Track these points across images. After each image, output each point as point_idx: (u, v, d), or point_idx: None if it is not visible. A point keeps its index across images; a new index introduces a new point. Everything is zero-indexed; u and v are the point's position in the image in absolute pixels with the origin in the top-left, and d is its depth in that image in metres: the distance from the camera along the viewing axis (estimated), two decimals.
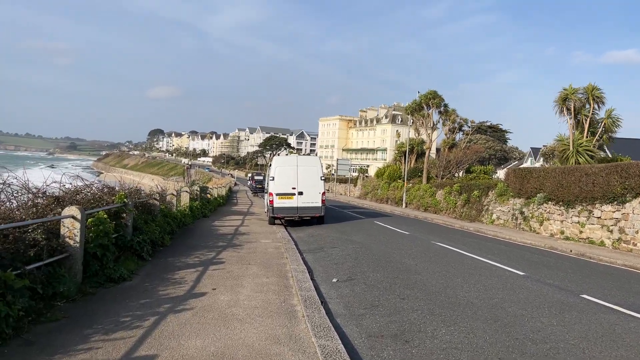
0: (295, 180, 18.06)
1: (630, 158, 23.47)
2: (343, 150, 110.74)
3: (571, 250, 14.16)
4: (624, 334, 6.14)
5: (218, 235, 14.41)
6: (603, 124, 22.76)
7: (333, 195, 49.05)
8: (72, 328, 5.38)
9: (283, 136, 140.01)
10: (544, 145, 58.08)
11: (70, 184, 8.80)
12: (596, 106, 22.80)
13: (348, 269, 9.96)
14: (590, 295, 8.21)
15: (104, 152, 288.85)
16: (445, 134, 39.04)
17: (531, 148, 69.46)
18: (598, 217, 15.98)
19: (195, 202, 20.39)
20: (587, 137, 22.28)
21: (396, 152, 49.15)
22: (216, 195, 30.27)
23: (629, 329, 6.34)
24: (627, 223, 14.76)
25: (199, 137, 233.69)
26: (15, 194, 7.24)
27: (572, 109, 22.66)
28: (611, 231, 15.35)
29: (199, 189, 24.07)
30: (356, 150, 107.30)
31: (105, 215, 7.84)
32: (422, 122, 37.40)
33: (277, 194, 17.92)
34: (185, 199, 18.20)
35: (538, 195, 18.87)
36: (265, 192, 20.86)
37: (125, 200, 9.41)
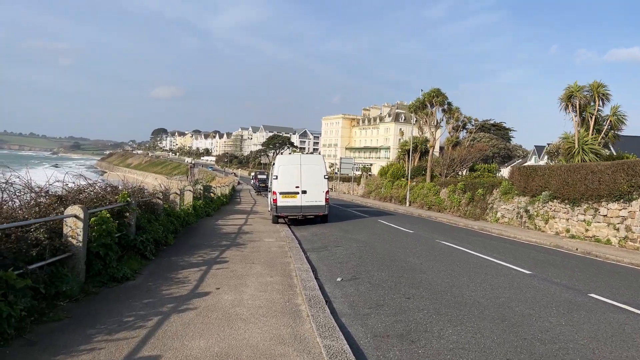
0: (299, 179, 17.99)
1: (635, 156, 23.32)
2: (346, 149, 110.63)
3: (577, 249, 14.04)
4: (634, 333, 6.04)
5: (221, 234, 14.37)
6: (609, 121, 22.60)
7: (336, 194, 48.97)
8: (75, 328, 5.33)
9: (286, 135, 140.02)
10: (548, 144, 57.80)
11: (73, 183, 8.76)
12: (601, 103, 22.66)
13: (352, 268, 9.88)
14: (598, 294, 8.10)
15: (107, 152, 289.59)
16: (449, 132, 38.93)
17: (535, 146, 69.22)
18: (604, 215, 15.84)
19: (199, 201, 20.36)
20: (592, 134, 22.14)
21: (400, 150, 49.08)
22: (219, 194, 30.24)
23: (639, 329, 6.24)
24: (634, 221, 14.62)
25: (202, 136, 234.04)
26: (17, 193, 7.19)
27: (578, 107, 22.53)
28: (617, 229, 15.22)
29: (202, 188, 24.05)
30: (359, 149, 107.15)
31: (108, 215, 7.79)
32: (426, 120, 37.30)
33: (280, 193, 17.86)
34: (188, 198, 18.17)
35: (543, 193, 18.74)
36: (269, 191, 20.81)
37: (128, 199, 9.37)
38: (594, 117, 22.38)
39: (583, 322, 6.43)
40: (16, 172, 7.77)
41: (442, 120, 37.50)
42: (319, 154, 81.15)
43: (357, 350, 5.20)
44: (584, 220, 16.64)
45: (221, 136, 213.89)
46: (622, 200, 15.13)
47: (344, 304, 7.10)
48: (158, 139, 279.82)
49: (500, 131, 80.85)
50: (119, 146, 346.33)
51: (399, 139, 77.35)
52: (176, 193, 15.99)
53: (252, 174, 74.36)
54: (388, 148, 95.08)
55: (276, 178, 18.06)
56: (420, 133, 42.03)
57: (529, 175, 20.26)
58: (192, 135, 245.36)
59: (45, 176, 8.41)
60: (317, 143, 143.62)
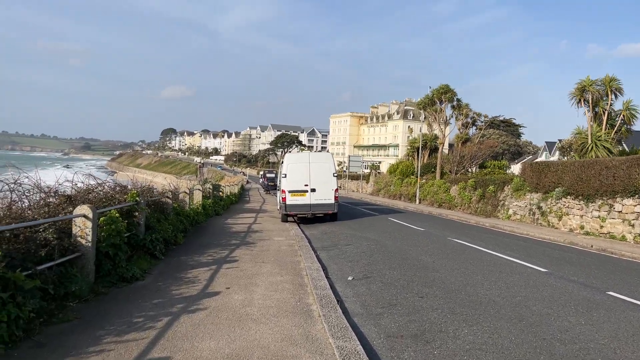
0: (308, 177, 17.88)
1: None
2: (354, 146, 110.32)
3: (592, 246, 13.78)
4: None
5: (231, 233, 14.30)
6: (621, 115, 22.18)
7: (345, 192, 48.81)
8: (84, 329, 5.27)
9: (294, 134, 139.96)
10: (559, 140, 57.16)
11: (82, 182, 8.72)
12: (614, 97, 22.23)
13: (363, 266, 9.75)
14: (616, 292, 7.89)
15: (117, 152, 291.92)
16: (459, 129, 38.55)
17: (546, 142, 68.49)
18: (619, 212, 15.54)
19: (208, 200, 20.33)
20: (605, 129, 21.75)
21: (409, 147, 48.76)
22: (228, 193, 30.24)
23: None
24: None
25: (211, 136, 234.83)
26: (27, 194, 7.15)
27: (590, 101, 22.12)
28: (633, 225, 14.91)
29: (211, 187, 24.05)
30: (368, 147, 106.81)
31: (117, 214, 7.73)
32: (435, 117, 36.97)
33: (289, 191, 17.77)
34: (197, 197, 18.14)
35: (556, 189, 18.44)
36: (278, 190, 20.73)
37: (137, 198, 9.31)
38: (606, 111, 21.98)
39: (603, 321, 6.24)
40: (25, 173, 7.75)
41: (452, 116, 37.19)
42: (327, 152, 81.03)
43: (370, 351, 5.08)
44: (599, 217, 16.33)
45: (230, 135, 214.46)
46: (637, 195, 14.82)
47: (356, 303, 6.97)
48: (167, 139, 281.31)
49: (509, 127, 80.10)
50: (129, 146, 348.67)
51: (408, 137, 76.94)
52: (185, 192, 15.95)
53: (261, 172, 74.46)
54: (397, 146, 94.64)
55: (285, 176, 17.96)
56: (429, 130, 41.70)
57: (542, 171, 19.95)
58: (201, 134, 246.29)
59: (55, 176, 8.40)
60: (325, 141, 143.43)
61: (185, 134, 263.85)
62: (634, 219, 14.91)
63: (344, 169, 59.54)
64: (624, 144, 26.43)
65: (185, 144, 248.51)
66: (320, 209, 18.04)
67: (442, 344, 5.32)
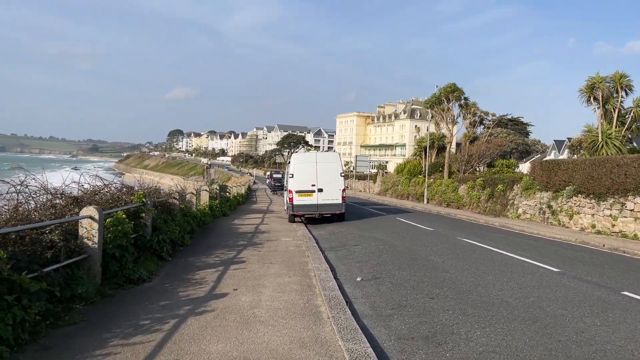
0: (315, 177, 17.78)
1: None
2: (361, 146, 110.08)
3: (604, 245, 13.56)
4: None
5: (238, 234, 14.24)
6: (632, 113, 21.86)
7: (352, 192, 48.66)
8: (90, 332, 5.20)
9: (300, 134, 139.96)
10: (568, 138, 56.63)
11: (89, 184, 8.68)
12: (624, 94, 21.93)
13: (372, 267, 9.63)
14: (631, 292, 7.71)
15: (125, 154, 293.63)
16: (466, 128, 38.29)
17: (554, 141, 67.97)
18: (631, 210, 15.29)
19: (215, 200, 20.29)
20: (616, 127, 21.46)
21: (416, 147, 48.55)
22: (235, 194, 30.22)
23: None
24: None
25: (218, 137, 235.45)
26: (33, 195, 7.11)
27: (600, 98, 21.84)
28: None
29: (218, 188, 24.02)
30: (374, 147, 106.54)
31: (124, 215, 7.68)
32: (442, 116, 36.76)
33: (296, 192, 17.68)
34: (204, 197, 18.11)
35: (567, 188, 18.19)
36: (285, 190, 20.64)
37: (144, 199, 9.26)
38: (617, 109, 21.68)
39: (619, 322, 6.08)
40: (32, 174, 7.73)
41: (459, 115, 36.94)
42: (334, 152, 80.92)
43: (381, 353, 4.97)
44: (610, 215, 16.09)
45: (236, 136, 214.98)
46: None
47: (365, 304, 6.86)
48: (174, 140, 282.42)
49: (517, 126, 79.50)
50: (136, 148, 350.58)
51: (415, 136, 76.58)
52: (192, 193, 15.92)
53: (268, 173, 74.46)
54: (404, 145, 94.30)
55: (292, 176, 17.87)
56: (436, 129, 41.47)
57: (552, 169, 19.70)
58: (208, 136, 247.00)
59: (62, 178, 8.36)
60: (332, 141, 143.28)
61: (192, 135, 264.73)
62: None
63: (351, 169, 59.39)
64: (634, 142, 26.09)
65: (192, 145, 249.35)
66: (328, 209, 17.93)
67: (454, 346, 5.19)
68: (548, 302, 6.97)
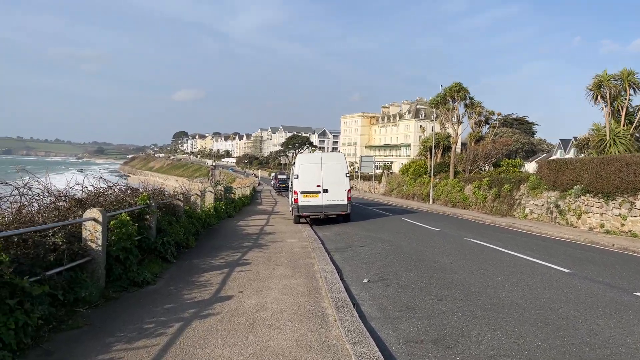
0: (320, 178, 17.68)
1: None
2: (366, 147, 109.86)
3: (613, 245, 13.36)
4: None
5: (243, 236, 14.16)
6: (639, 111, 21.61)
7: (357, 192, 48.52)
8: (93, 336, 5.12)
9: (305, 135, 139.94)
10: (574, 137, 56.21)
11: (92, 186, 8.62)
12: (632, 92, 21.68)
13: (379, 268, 9.51)
14: None
15: (130, 156, 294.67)
16: (472, 127, 38.09)
17: (560, 140, 67.57)
18: None
19: (220, 202, 20.24)
20: (624, 125, 21.21)
21: (421, 147, 48.36)
22: (240, 195, 30.17)
23: None
24: None
25: (222, 138, 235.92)
26: (36, 197, 7.05)
27: (608, 96, 21.59)
28: None
29: (223, 189, 23.97)
30: (379, 147, 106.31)
31: (128, 217, 7.60)
32: (448, 116, 36.56)
33: (301, 192, 17.58)
34: (209, 199, 18.04)
35: (575, 187, 17.98)
36: (290, 191, 20.56)
37: (148, 201, 9.19)
38: (624, 107, 21.43)
39: (633, 324, 5.93)
40: (36, 176, 7.67)
41: (464, 115, 36.74)
42: (339, 152, 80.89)
43: (389, 357, 4.87)
44: (619, 215, 15.88)
45: (241, 138, 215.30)
46: None
47: (373, 306, 6.74)
48: (179, 142, 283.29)
49: (523, 125, 78.95)
50: (141, 150, 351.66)
51: (420, 136, 76.40)
52: (197, 194, 15.85)
53: (272, 174, 74.50)
54: (408, 145, 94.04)
55: (297, 177, 17.77)
56: (442, 129, 41.27)
57: (559, 168, 19.49)
58: (213, 137, 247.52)
59: (66, 180, 8.31)
60: (337, 142, 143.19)
61: (197, 136, 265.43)
62: None
63: (356, 169, 59.25)
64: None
65: (197, 147, 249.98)
66: (333, 209, 17.82)
67: (464, 349, 5.07)
68: (559, 303, 6.83)
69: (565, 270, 9.25)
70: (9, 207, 6.37)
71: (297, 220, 18.09)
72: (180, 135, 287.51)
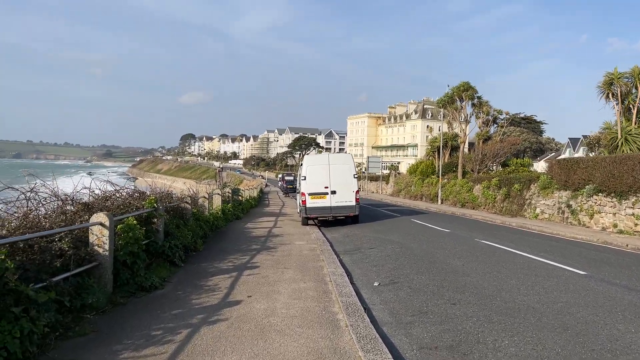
0: (328, 179, 17.54)
1: None
2: (373, 147, 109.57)
3: (627, 245, 13.09)
4: None
5: (251, 238, 14.05)
6: None
7: (365, 193, 48.30)
8: (100, 343, 5.03)
9: (312, 136, 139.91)
10: (583, 136, 55.62)
11: (100, 189, 8.54)
12: None
13: (389, 271, 9.35)
14: None
15: (138, 158, 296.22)
16: (479, 127, 37.72)
17: (569, 138, 66.96)
18: None
19: (228, 204, 20.17)
20: (635, 124, 20.87)
21: (429, 147, 48.08)
22: (248, 197, 30.11)
23: None
24: None
25: (230, 140, 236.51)
26: (43, 202, 6.98)
27: (619, 94, 21.27)
28: None
29: (230, 191, 23.91)
30: (386, 147, 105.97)
31: (135, 221, 7.52)
32: (455, 116, 36.26)
33: (309, 194, 17.44)
34: (217, 201, 17.98)
35: (587, 186, 17.70)
36: (297, 192, 20.43)
37: (155, 204, 9.11)
38: (636, 105, 21.09)
39: None
40: (43, 180, 7.60)
41: (472, 114, 36.40)
42: (346, 153, 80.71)
43: None
44: (633, 214, 15.58)
45: (248, 139, 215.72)
46: None
47: (384, 311, 6.59)
48: (187, 144, 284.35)
49: (531, 124, 78.26)
50: (149, 153, 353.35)
51: (427, 136, 76.04)
52: (205, 197, 15.79)
53: (279, 175, 74.47)
54: (415, 145, 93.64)
55: (304, 179, 17.64)
56: (449, 129, 40.99)
57: (570, 168, 19.20)
58: (220, 139, 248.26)
59: (73, 183, 8.24)
60: (343, 143, 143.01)
61: (204, 139, 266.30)
62: None
63: (363, 170, 59.05)
64: None
65: (204, 149, 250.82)
66: (341, 211, 17.67)
67: (481, 356, 4.91)
68: (577, 307, 6.63)
69: (581, 273, 9.03)
70: (15, 212, 6.30)
71: (305, 222, 17.96)
72: (188, 138, 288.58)
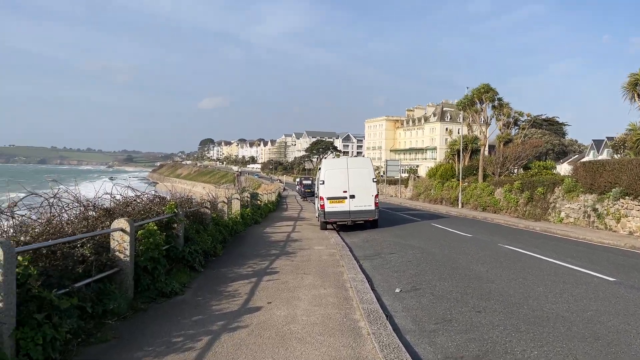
0: (346, 183, 17.42)
1: None
2: (391, 151, 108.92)
3: None
4: None
5: (270, 243, 14.02)
6: None
7: (384, 197, 47.96)
8: (122, 349, 5.01)
9: (329, 140, 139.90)
10: (607, 137, 54.26)
11: (120, 195, 8.60)
12: None
13: (411, 277, 9.19)
14: None
15: (158, 163, 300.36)
16: (500, 129, 37.12)
17: (593, 140, 65.36)
18: None
19: (246, 208, 20.21)
20: None
21: (448, 150, 47.51)
22: (266, 201, 30.16)
23: None
24: None
25: (248, 145, 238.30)
26: (66, 208, 7.04)
27: None
28: None
29: (249, 196, 23.98)
30: (404, 151, 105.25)
31: (156, 227, 7.54)
32: (475, 118, 35.78)
33: (328, 198, 17.35)
34: (236, 206, 18.02)
35: (613, 190, 17.20)
36: (316, 197, 20.35)
37: (175, 210, 9.13)
38: None
39: None
40: (66, 186, 7.69)
41: (492, 117, 35.84)
42: (365, 157, 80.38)
43: None
44: None
45: (265, 144, 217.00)
46: None
47: (407, 318, 6.45)
48: (205, 149, 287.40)
49: (553, 126, 76.74)
50: (169, 157, 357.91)
51: (446, 139, 75.18)
52: (224, 202, 15.83)
53: (297, 179, 74.55)
54: (434, 148, 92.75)
55: (323, 183, 17.55)
56: (469, 131, 40.46)
57: (596, 170, 18.70)
58: (238, 144, 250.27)
59: (94, 189, 8.30)
60: (361, 146, 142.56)
61: (223, 143, 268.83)
62: None
63: (381, 173, 58.71)
64: None
65: (223, 154, 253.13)
66: (360, 215, 17.52)
67: None
68: (608, 315, 6.38)
69: (610, 279, 8.72)
70: (39, 218, 6.37)
71: (324, 226, 17.86)
72: (207, 142, 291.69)
